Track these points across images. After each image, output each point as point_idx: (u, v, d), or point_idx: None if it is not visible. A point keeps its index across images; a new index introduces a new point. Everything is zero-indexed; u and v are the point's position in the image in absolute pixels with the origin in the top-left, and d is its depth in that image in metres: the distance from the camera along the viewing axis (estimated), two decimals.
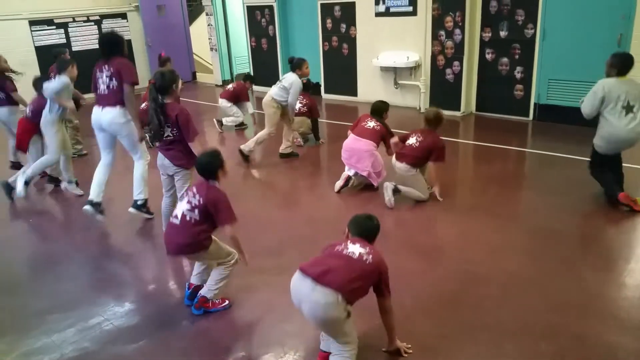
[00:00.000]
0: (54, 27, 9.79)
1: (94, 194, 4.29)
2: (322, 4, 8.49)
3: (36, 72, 8.00)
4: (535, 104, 6.79)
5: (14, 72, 5.36)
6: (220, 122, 7.17)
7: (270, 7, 9.23)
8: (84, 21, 10.13)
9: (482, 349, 2.61)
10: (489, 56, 7.01)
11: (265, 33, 9.51)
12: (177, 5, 11.09)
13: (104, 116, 4.08)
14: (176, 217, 2.85)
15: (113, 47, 4.04)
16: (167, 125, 3.51)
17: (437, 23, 7.15)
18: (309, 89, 6.48)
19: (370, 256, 2.29)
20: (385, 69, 7.99)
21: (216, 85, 10.60)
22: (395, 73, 7.85)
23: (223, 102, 7.04)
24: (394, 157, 4.44)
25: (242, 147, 5.68)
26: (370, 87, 8.26)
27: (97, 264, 3.80)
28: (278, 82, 5.61)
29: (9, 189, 4.93)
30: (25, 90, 5.43)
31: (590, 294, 3.05)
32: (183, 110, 3.53)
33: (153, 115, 3.47)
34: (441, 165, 4.37)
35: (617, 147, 4.09)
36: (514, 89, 6.90)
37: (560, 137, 5.46)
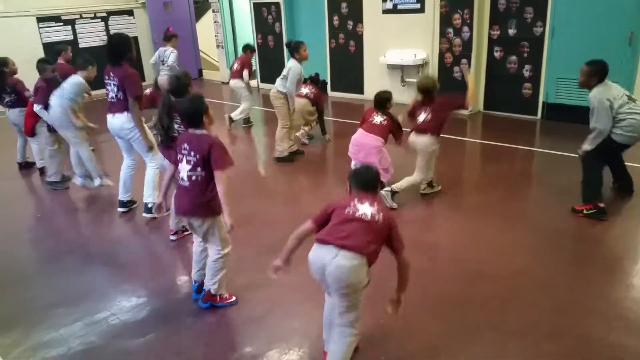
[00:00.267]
0: (61, 23, 9.84)
1: (121, 193, 4.47)
2: (329, 1, 8.47)
3: None
4: (543, 102, 6.74)
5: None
6: (230, 119, 7.17)
7: (277, 4, 9.21)
8: (91, 18, 10.18)
9: (486, 349, 2.60)
10: (497, 54, 6.96)
11: (271, 30, 9.50)
12: (183, 2, 11.11)
13: (114, 123, 4.19)
14: (183, 179, 2.83)
15: (120, 52, 4.07)
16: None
17: (445, 20, 7.10)
18: (318, 82, 6.38)
19: (380, 214, 2.25)
20: (392, 67, 7.95)
21: (222, 83, 10.61)
22: (402, 71, 7.82)
23: (236, 83, 7.04)
24: (411, 134, 4.39)
25: (276, 155, 5.68)
26: (377, 85, 8.14)
27: (104, 258, 3.82)
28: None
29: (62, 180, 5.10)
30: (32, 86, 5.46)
31: (596, 295, 3.03)
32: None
33: (163, 118, 3.45)
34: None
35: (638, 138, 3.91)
36: (522, 87, 6.85)
37: (568, 136, 5.41)
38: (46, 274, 3.64)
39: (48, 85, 4.93)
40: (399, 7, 7.64)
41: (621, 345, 2.59)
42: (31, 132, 5.21)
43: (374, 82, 8.27)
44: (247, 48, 7.24)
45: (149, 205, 4.29)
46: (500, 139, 6.05)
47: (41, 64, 5.15)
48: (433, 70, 7.41)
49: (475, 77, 7.14)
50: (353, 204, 2.28)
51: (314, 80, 6.28)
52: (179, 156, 2.84)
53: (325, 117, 6.50)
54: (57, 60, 6.18)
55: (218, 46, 10.66)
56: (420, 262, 3.41)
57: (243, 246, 3.66)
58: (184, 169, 2.81)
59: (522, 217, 4.15)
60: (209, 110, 2.88)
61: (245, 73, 6.98)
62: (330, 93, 8.94)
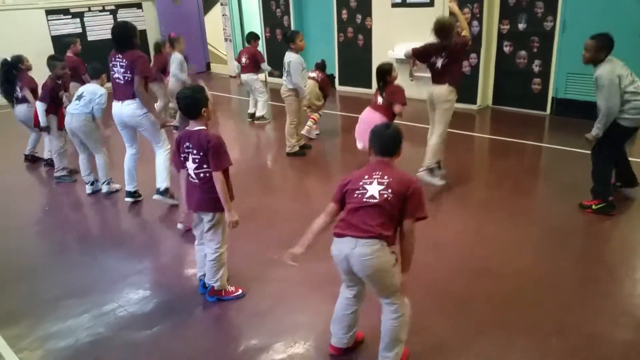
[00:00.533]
0: (70, 16, 9.88)
1: (127, 183, 4.49)
2: None
3: None
4: (553, 98, 6.68)
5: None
6: (252, 115, 7.15)
7: None
8: (100, 11, 10.21)
9: (492, 345, 2.60)
10: (506, 49, 6.90)
11: (280, 23, 9.47)
12: None
13: (123, 111, 4.15)
14: (192, 177, 2.84)
15: (126, 39, 4.07)
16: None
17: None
18: (324, 68, 6.27)
19: (390, 190, 2.17)
20: (400, 61, 7.89)
21: (230, 76, 10.61)
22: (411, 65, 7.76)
23: (248, 77, 6.98)
24: (431, 85, 4.35)
25: (287, 150, 5.63)
26: None
27: (111, 251, 3.86)
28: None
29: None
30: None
31: (603, 293, 3.01)
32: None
33: None
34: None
35: None
36: (531, 82, 6.79)
37: (577, 132, 5.34)
38: (54, 266, 3.68)
39: (54, 87, 4.98)
40: (408, 0, 7.59)
41: (628, 343, 2.58)
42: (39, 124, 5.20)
43: None
44: (251, 37, 7.10)
45: (161, 190, 4.35)
46: (508, 134, 6.01)
47: (51, 61, 5.16)
48: None
49: (485, 72, 7.11)
50: (362, 182, 2.24)
51: (321, 67, 6.23)
52: (183, 155, 2.83)
53: (332, 112, 6.49)
54: (65, 53, 6.22)
55: (226, 39, 10.66)
56: (425, 258, 3.40)
57: (250, 241, 3.69)
58: (191, 167, 2.81)
59: (528, 213, 4.13)
60: (210, 104, 2.84)
61: (264, 65, 6.96)
62: (338, 87, 8.92)
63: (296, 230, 3.91)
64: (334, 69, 8.86)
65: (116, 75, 4.11)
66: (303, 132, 6.02)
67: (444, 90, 4.28)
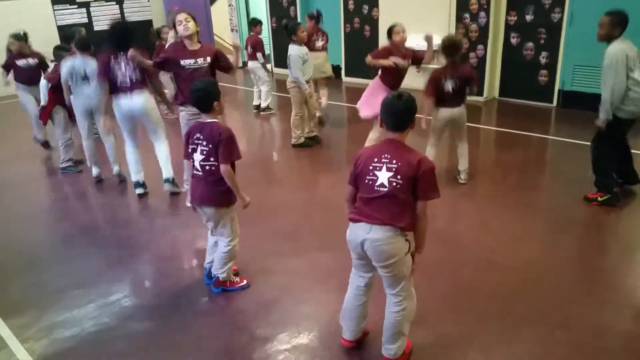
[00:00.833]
0: (76, 6, 9.88)
1: (134, 174, 4.54)
2: None
3: None
4: (559, 90, 6.64)
5: None
6: (258, 107, 7.17)
7: None
8: (106, 1, 10.20)
9: (497, 337, 2.63)
10: (513, 40, 6.86)
11: (286, 13, 9.44)
12: None
13: (134, 103, 4.20)
14: (197, 169, 2.85)
15: (130, 37, 4.10)
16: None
17: (462, 6, 7.00)
18: (316, 18, 6.27)
19: (399, 176, 2.14)
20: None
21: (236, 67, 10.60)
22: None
23: (252, 64, 7.01)
24: (441, 109, 4.28)
25: (293, 142, 5.66)
26: None
27: (117, 241, 3.90)
28: None
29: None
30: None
31: (608, 284, 3.03)
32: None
33: None
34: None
35: None
36: (538, 74, 6.76)
37: (584, 124, 5.34)
38: (60, 257, 3.72)
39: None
40: None
41: (632, 334, 2.60)
42: (47, 119, 5.22)
43: None
44: (253, 24, 7.08)
45: (171, 179, 4.43)
46: (514, 126, 6.00)
47: (58, 51, 5.16)
48: None
49: (491, 64, 7.07)
50: (372, 167, 2.19)
51: (311, 16, 6.25)
52: (192, 146, 2.84)
53: (338, 103, 6.49)
54: (70, 43, 6.21)
55: (232, 30, 10.63)
56: (431, 250, 3.40)
57: (255, 232, 3.72)
58: (198, 158, 2.82)
59: (534, 206, 4.14)
60: (222, 98, 2.87)
61: (259, 55, 6.87)
62: (344, 78, 8.90)
63: (301, 222, 3.99)
64: (340, 60, 8.84)
65: (123, 78, 4.14)
66: (318, 114, 6.02)
67: (462, 110, 4.32)
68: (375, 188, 2.18)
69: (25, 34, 5.63)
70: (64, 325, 2.87)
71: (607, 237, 3.67)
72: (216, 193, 2.85)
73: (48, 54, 5.40)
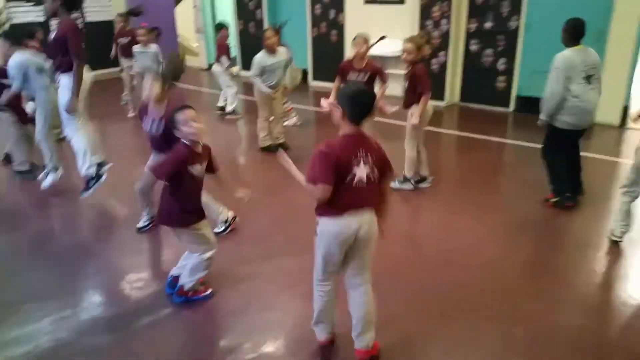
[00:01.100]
0: (32, 3, 9.53)
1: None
2: None
3: None
4: (517, 95, 6.92)
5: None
6: (221, 108, 7.09)
7: None
8: None
9: (459, 334, 2.73)
10: (473, 47, 7.10)
11: (253, 17, 9.43)
12: None
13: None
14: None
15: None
16: None
17: (425, 13, 7.19)
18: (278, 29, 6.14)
19: (375, 171, 2.26)
20: (372, 57, 7.99)
21: (201, 69, 10.49)
22: (382, 61, 7.87)
23: (214, 68, 6.99)
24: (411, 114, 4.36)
25: (260, 145, 5.64)
26: None
27: (74, 252, 3.72)
28: None
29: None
30: None
31: (563, 282, 3.20)
32: None
33: None
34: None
35: (585, 120, 3.93)
36: (496, 80, 7.02)
37: (539, 129, 5.60)
38: (12, 269, 3.52)
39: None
40: None
41: (585, 329, 2.76)
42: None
43: None
44: (217, 28, 7.03)
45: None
46: (475, 130, 6.21)
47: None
48: None
49: (452, 70, 7.29)
50: (352, 165, 2.20)
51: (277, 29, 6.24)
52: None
53: (305, 107, 6.54)
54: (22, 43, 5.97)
55: (198, 31, 10.52)
56: (396, 252, 3.52)
57: (220, 238, 3.62)
58: None
59: (494, 207, 4.30)
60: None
61: (224, 59, 6.79)
62: (311, 82, 8.96)
63: (267, 227, 3.99)
64: (307, 63, 8.90)
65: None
66: (284, 125, 6.00)
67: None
68: (354, 184, 2.23)
69: None
70: (17, 342, 2.72)
71: (562, 237, 3.86)
72: (164, 212, 2.84)
73: None
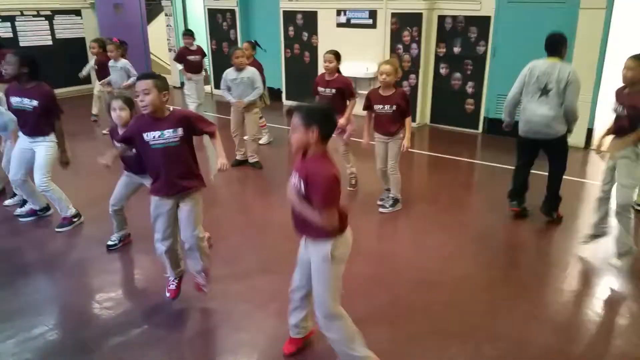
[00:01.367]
0: None
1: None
2: (284, 11, 8.57)
3: None
4: (485, 117, 7.13)
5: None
6: None
7: (232, 11, 9.22)
8: (34, 15, 9.73)
9: (429, 352, 2.74)
10: (443, 71, 7.31)
11: (226, 37, 9.48)
12: (134, 4, 10.85)
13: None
14: None
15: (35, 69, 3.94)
16: None
17: (396, 37, 7.38)
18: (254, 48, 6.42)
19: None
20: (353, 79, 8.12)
21: (174, 87, 10.43)
22: (354, 83, 8.00)
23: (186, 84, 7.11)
24: (378, 136, 4.46)
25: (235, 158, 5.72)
26: None
27: (40, 270, 3.63)
28: None
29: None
30: None
31: (530, 300, 3.25)
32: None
33: None
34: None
35: (531, 130, 4.00)
36: (465, 102, 7.23)
37: (507, 149, 5.80)
38: None
39: None
40: (352, 21, 7.86)
41: (551, 347, 2.80)
42: None
43: None
44: (183, 34, 7.20)
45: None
46: (444, 151, 6.35)
47: None
48: None
49: (423, 92, 7.47)
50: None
51: (253, 45, 6.39)
52: None
53: (279, 126, 6.57)
54: None
55: (170, 50, 10.49)
56: (363, 270, 3.52)
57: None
58: None
59: (465, 225, 4.38)
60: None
61: (178, 66, 6.99)
62: (285, 102, 9.02)
63: (239, 246, 3.96)
64: (280, 83, 8.97)
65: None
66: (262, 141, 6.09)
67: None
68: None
69: None
70: None
71: (530, 255, 3.94)
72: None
73: None
